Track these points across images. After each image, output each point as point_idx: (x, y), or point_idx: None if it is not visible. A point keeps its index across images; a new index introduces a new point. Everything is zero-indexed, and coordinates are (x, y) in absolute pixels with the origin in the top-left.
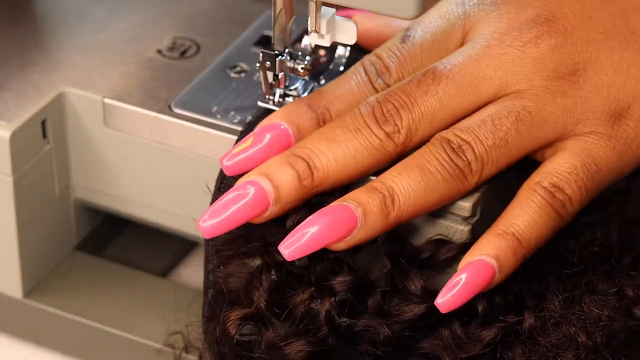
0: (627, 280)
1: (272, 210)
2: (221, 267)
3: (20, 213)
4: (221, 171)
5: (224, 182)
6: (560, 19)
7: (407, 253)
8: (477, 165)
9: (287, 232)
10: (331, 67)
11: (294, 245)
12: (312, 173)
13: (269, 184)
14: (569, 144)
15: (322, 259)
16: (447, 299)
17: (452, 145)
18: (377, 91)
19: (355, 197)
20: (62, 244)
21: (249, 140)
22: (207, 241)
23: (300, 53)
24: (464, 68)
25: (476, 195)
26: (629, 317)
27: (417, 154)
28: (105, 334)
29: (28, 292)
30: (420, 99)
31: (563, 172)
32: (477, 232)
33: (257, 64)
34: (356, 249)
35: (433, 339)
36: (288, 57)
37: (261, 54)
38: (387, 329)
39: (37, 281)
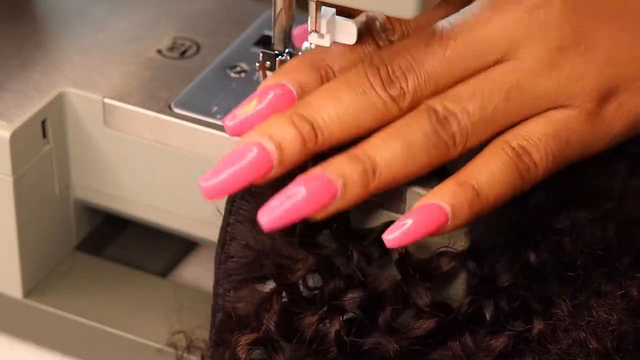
0: (631, 281)
1: (275, 171)
2: (231, 292)
3: (20, 213)
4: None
5: (235, 205)
6: None
7: (416, 266)
8: (461, 137)
9: (303, 256)
10: None
11: (271, 215)
12: (315, 134)
13: (272, 145)
14: (549, 112)
15: (335, 277)
16: (396, 235)
17: (438, 115)
18: (379, 47)
19: (336, 166)
20: (62, 244)
21: (252, 100)
22: (217, 265)
23: (300, 53)
24: (471, 31)
25: None
26: (637, 317)
27: (401, 122)
28: (105, 334)
29: (28, 292)
30: (427, 62)
31: (534, 137)
32: (476, 232)
33: (257, 64)
34: (368, 260)
35: (442, 350)
36: (288, 57)
37: (261, 54)
38: (396, 345)
39: (37, 281)
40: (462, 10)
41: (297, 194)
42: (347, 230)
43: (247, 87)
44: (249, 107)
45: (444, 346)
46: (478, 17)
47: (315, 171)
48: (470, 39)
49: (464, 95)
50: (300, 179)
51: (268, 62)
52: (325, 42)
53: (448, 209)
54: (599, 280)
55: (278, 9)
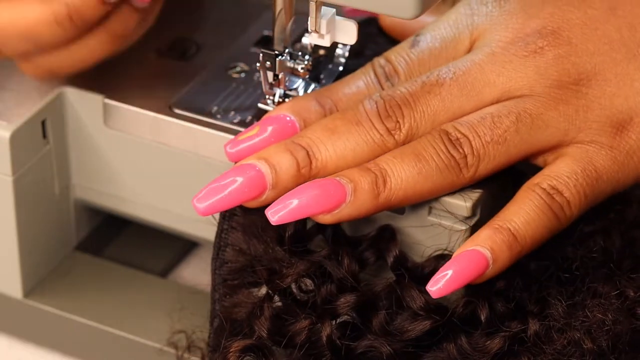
0: (628, 282)
1: (268, 195)
2: (227, 297)
3: (20, 213)
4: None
5: (228, 212)
6: (566, 30)
7: (410, 269)
8: (473, 159)
9: (294, 261)
10: (330, 66)
11: (281, 212)
12: (310, 162)
13: (268, 168)
14: (570, 150)
15: (328, 281)
16: (440, 287)
17: (450, 137)
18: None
19: (347, 173)
20: (62, 244)
21: (254, 129)
22: (214, 270)
23: (300, 53)
24: (467, 72)
25: (476, 196)
26: (632, 317)
27: (415, 142)
28: (105, 334)
29: (28, 292)
30: (423, 98)
31: (562, 176)
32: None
33: (257, 64)
34: (362, 265)
35: (437, 352)
36: (288, 57)
37: (261, 54)
38: (389, 348)
39: (37, 281)
40: (462, 57)
41: (306, 192)
42: (339, 236)
43: (247, 87)
44: (250, 134)
45: (438, 347)
46: (475, 62)
47: (326, 177)
48: (466, 78)
49: (474, 120)
50: (311, 181)
51: (268, 62)
52: (326, 42)
53: (488, 254)
54: (596, 281)
55: (278, 9)
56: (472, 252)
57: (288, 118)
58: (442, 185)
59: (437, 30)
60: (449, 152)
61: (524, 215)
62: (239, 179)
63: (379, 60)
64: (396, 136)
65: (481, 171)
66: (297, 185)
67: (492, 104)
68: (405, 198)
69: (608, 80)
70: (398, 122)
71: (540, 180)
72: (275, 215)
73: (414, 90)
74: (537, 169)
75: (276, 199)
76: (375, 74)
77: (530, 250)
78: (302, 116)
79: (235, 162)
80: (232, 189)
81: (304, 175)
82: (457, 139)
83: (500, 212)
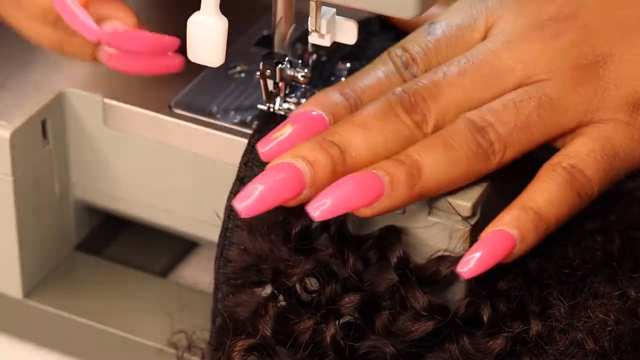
0: (629, 282)
1: (305, 194)
2: (230, 296)
3: (20, 213)
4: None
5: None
6: (582, 14)
7: (413, 270)
8: (500, 145)
9: (299, 260)
10: (332, 79)
11: (321, 207)
12: (344, 158)
13: (305, 166)
14: (588, 129)
15: (333, 280)
16: (470, 267)
17: (477, 125)
18: (405, 81)
19: (382, 166)
20: (62, 244)
21: (285, 127)
22: (217, 269)
23: (300, 61)
24: (487, 60)
25: (476, 195)
26: (634, 317)
27: (442, 131)
28: (105, 334)
29: (28, 292)
30: (446, 89)
31: (582, 154)
32: (477, 232)
33: (258, 73)
34: (366, 263)
35: (440, 352)
36: (288, 65)
37: (261, 63)
38: (392, 348)
39: (37, 281)
40: (479, 45)
41: (345, 186)
42: (344, 235)
43: (247, 87)
44: (282, 132)
45: (440, 347)
46: (492, 50)
47: (362, 170)
48: (486, 67)
49: (497, 107)
50: (349, 175)
51: (268, 70)
52: (326, 42)
53: (515, 233)
54: (597, 282)
55: (278, 17)
56: (500, 232)
57: (315, 113)
58: (472, 172)
59: (452, 18)
60: (476, 140)
61: (546, 194)
62: (279, 177)
63: (395, 50)
64: (424, 129)
65: (507, 157)
66: (332, 182)
67: (513, 89)
68: (437, 187)
69: (624, 62)
70: (425, 115)
71: (561, 159)
72: (317, 210)
73: (437, 81)
74: (538, 167)
75: (313, 196)
76: (394, 64)
77: (554, 229)
78: (330, 110)
79: (268, 162)
80: (272, 189)
81: (338, 172)
82: (483, 127)
83: (522, 192)
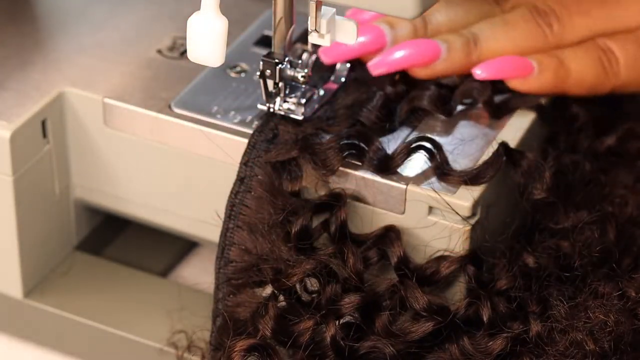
0: (629, 282)
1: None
2: (231, 296)
3: (20, 213)
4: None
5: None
6: None
7: (413, 270)
8: (559, 27)
9: (300, 260)
10: (332, 78)
11: (381, 63)
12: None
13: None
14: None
15: (333, 280)
16: (485, 72)
17: (539, 9)
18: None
19: (441, 36)
20: (62, 244)
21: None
22: (217, 269)
23: (300, 61)
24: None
25: (476, 195)
26: (634, 318)
27: (505, 14)
28: (105, 334)
29: (28, 292)
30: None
31: (618, 40)
32: (477, 232)
33: (258, 73)
34: (366, 264)
35: (440, 352)
36: (288, 65)
37: (261, 63)
38: (392, 349)
39: (37, 281)
40: None
41: (405, 47)
42: (344, 235)
43: (247, 87)
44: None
45: (441, 349)
46: None
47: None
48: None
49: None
50: (411, 40)
51: (268, 71)
52: (326, 42)
53: (535, 63)
54: (597, 281)
55: (278, 18)
56: (519, 58)
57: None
58: (528, 46)
59: None
60: (535, 19)
61: (574, 52)
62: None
63: None
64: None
65: (566, 40)
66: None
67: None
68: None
69: None
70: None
71: (598, 39)
72: (376, 67)
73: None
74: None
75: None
76: None
77: (572, 89)
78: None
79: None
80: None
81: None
82: (545, 11)
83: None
